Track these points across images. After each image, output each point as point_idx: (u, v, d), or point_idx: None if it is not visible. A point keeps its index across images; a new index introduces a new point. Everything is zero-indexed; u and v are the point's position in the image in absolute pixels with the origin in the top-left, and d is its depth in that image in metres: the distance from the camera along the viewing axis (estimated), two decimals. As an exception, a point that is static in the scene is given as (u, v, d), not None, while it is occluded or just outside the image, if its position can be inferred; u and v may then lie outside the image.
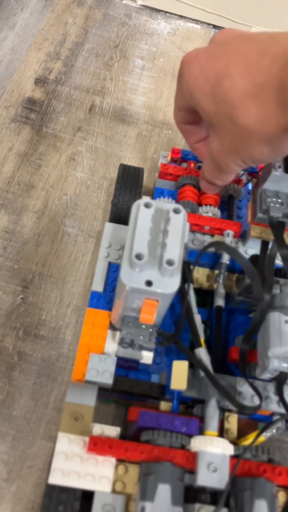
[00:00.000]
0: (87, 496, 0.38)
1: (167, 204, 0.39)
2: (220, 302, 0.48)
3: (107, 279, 0.48)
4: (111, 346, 0.44)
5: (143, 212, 0.37)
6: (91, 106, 0.70)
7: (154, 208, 0.38)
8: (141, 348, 0.43)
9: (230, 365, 0.46)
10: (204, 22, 0.83)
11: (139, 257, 0.35)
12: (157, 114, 0.71)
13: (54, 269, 0.57)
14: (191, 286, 0.46)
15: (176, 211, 0.38)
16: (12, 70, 0.71)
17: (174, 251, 0.36)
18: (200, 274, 0.50)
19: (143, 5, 0.82)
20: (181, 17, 0.83)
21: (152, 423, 0.40)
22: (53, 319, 0.54)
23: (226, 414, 0.44)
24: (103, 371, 0.42)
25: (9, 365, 0.50)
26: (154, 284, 0.36)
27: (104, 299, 0.47)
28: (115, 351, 0.44)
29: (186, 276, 0.46)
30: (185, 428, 0.40)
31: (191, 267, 0.46)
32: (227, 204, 0.55)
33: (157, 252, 0.37)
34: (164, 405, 0.43)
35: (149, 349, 0.43)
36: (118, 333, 0.45)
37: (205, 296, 0.50)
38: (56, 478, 0.37)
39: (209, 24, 0.83)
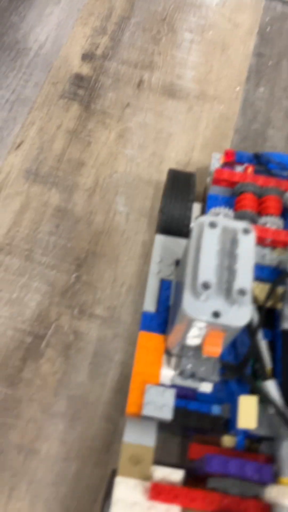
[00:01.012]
0: None
1: (234, 222, 0.35)
2: (287, 325, 0.43)
3: (159, 297, 0.45)
4: (167, 373, 0.41)
5: (208, 233, 0.34)
6: (140, 81, 0.68)
7: (220, 228, 0.34)
8: (203, 380, 0.39)
9: None
10: (254, -7, 0.79)
11: (206, 285, 0.33)
12: (207, 89, 0.69)
13: (107, 248, 0.55)
14: (255, 313, 0.42)
15: (246, 231, 0.35)
16: (58, 46, 0.70)
17: (246, 279, 0.33)
18: (259, 290, 0.45)
19: (190, -24, 0.79)
20: (229, -13, 0.80)
21: (221, 468, 0.36)
22: (108, 298, 0.53)
23: None
24: (161, 405, 0.39)
25: (65, 343, 0.50)
26: (222, 315, 0.33)
27: (157, 320, 0.44)
28: (170, 379, 0.41)
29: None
30: (258, 476, 0.36)
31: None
32: None
33: (223, 278, 0.34)
34: (227, 441, 0.40)
35: (212, 381, 0.40)
36: (173, 359, 0.41)
37: (264, 312, 0.45)
38: None
39: (259, -6, 0.80)
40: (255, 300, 0.44)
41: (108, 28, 0.73)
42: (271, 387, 0.39)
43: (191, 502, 0.35)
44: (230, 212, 0.49)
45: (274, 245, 0.47)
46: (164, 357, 0.42)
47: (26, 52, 0.69)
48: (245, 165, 0.54)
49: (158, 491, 0.35)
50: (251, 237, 0.35)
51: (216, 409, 0.41)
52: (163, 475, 0.37)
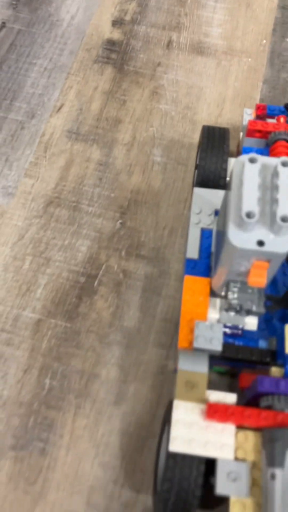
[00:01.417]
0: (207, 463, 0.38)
1: (272, 158, 0.37)
2: None
3: (200, 246, 0.47)
4: (213, 313, 0.44)
5: (248, 168, 0.36)
6: (169, 42, 0.71)
7: (260, 163, 0.36)
8: (249, 313, 0.42)
9: None
10: None
11: (249, 215, 0.35)
12: (234, 44, 0.71)
13: (148, 195, 0.59)
14: None
15: (285, 164, 0.36)
16: (89, 15, 0.73)
17: (287, 206, 0.35)
18: None
19: None
20: None
21: (272, 388, 0.39)
22: (151, 240, 0.56)
23: None
24: (211, 338, 0.41)
25: (116, 281, 0.54)
26: (267, 244, 0.35)
27: (200, 265, 0.46)
28: (217, 318, 0.43)
29: None
30: None
31: None
32: None
33: (266, 209, 0.36)
34: (275, 371, 0.41)
35: (258, 314, 0.42)
36: (218, 300, 0.44)
37: None
38: (176, 446, 0.37)
39: None
40: None
41: (135, -6, 0.76)
42: None
43: (246, 419, 0.37)
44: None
45: None
46: (210, 299, 0.44)
47: (59, 23, 0.73)
48: (277, 117, 0.56)
49: (214, 410, 0.38)
50: None
51: (263, 343, 0.43)
52: (217, 398, 0.39)
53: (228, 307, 0.42)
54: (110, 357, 0.50)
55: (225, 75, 0.68)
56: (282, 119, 0.54)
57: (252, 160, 0.37)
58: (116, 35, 0.72)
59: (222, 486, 0.36)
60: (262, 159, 0.37)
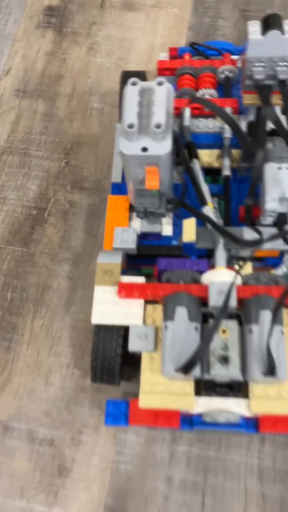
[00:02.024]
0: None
1: (151, 82, 0.45)
2: (227, 172, 0.53)
3: (123, 171, 0.54)
4: (134, 224, 0.52)
5: (130, 90, 0.44)
6: (102, 2, 0.79)
7: (140, 85, 0.44)
8: (153, 214, 0.50)
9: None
10: None
11: (131, 126, 0.43)
12: (161, -3, 0.78)
13: (88, 137, 0.68)
14: (197, 162, 0.53)
15: (160, 83, 0.44)
16: (29, -14, 0.81)
17: (160, 116, 0.43)
18: (209, 155, 0.55)
19: None
20: None
21: (169, 266, 0.47)
22: (93, 174, 0.65)
23: (241, 263, 0.48)
24: (126, 239, 0.50)
25: (63, 211, 0.63)
26: (149, 149, 0.43)
27: (123, 188, 0.54)
28: (138, 229, 0.52)
29: (192, 153, 0.53)
30: (196, 266, 0.47)
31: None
32: (224, 85, 0.60)
33: (146, 122, 0.43)
34: None
35: (161, 215, 0.50)
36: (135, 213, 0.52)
37: (217, 175, 0.56)
38: (97, 318, 0.46)
39: None
40: (205, 164, 0.55)
41: None
42: (208, 210, 0.50)
43: (148, 291, 0.46)
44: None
45: (212, 113, 0.57)
46: (130, 214, 0.52)
47: (3, -3, 0.81)
48: (183, 54, 0.63)
49: (123, 288, 0.47)
50: (164, 87, 0.45)
51: (174, 242, 0.52)
52: (129, 280, 0.48)
53: (137, 213, 0.50)
54: (60, 271, 0.59)
55: (154, 26, 0.76)
56: (187, 56, 0.61)
57: (133, 83, 0.45)
58: (54, 1, 0.79)
59: (133, 345, 0.45)
60: (143, 83, 0.46)
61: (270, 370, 0.40)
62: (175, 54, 0.64)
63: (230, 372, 0.41)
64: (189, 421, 0.45)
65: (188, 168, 0.53)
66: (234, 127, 0.50)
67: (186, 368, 0.40)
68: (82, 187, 0.64)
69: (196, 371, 0.41)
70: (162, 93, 0.45)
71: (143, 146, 0.44)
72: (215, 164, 0.55)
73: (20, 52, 0.75)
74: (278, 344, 0.41)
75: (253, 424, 0.45)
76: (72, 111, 0.70)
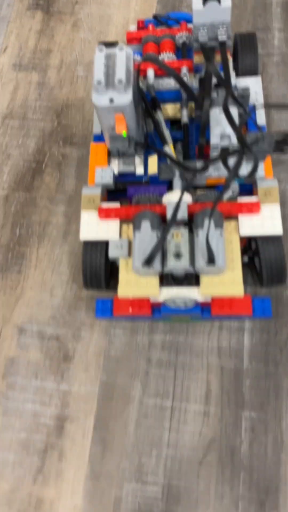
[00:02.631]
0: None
1: (114, 48, 0.57)
2: (185, 119, 0.66)
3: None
4: (112, 166, 0.64)
5: (98, 54, 0.57)
6: (82, -17, 0.91)
7: (106, 51, 0.57)
8: (125, 154, 0.62)
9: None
10: None
11: (99, 82, 0.56)
12: (133, -24, 0.90)
13: (75, 100, 0.80)
14: (160, 112, 0.65)
15: (120, 49, 0.57)
16: (19, -27, 0.93)
17: (121, 73, 0.55)
18: (173, 108, 0.68)
19: None
20: None
21: (136, 191, 0.61)
22: (80, 131, 0.78)
23: (197, 192, 0.61)
24: (105, 176, 0.63)
25: (57, 163, 0.76)
26: (115, 100, 0.56)
27: (103, 138, 0.67)
28: (115, 170, 0.64)
29: (155, 106, 0.65)
30: (158, 190, 0.60)
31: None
32: (182, 50, 0.72)
33: (111, 79, 0.56)
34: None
35: (131, 154, 0.62)
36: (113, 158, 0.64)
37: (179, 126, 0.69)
38: (84, 235, 0.60)
39: None
40: (170, 115, 0.68)
41: None
42: (167, 149, 0.63)
43: (125, 212, 0.60)
44: (139, 58, 0.72)
45: None
46: (108, 158, 0.65)
47: (-3, -16, 0.93)
48: (148, 25, 0.75)
49: (103, 211, 0.60)
50: (124, 52, 0.57)
51: (144, 178, 0.65)
52: (107, 206, 0.61)
53: (111, 153, 0.63)
54: (58, 210, 0.73)
55: (128, 2, 0.88)
56: (151, 27, 0.74)
57: (100, 50, 0.58)
58: (42, -15, 0.91)
59: (112, 252, 0.59)
60: (108, 50, 0.58)
61: (210, 259, 0.53)
62: (142, 25, 0.76)
63: (182, 264, 0.55)
64: (158, 310, 0.59)
65: (152, 117, 0.65)
66: (175, 77, 0.62)
67: (148, 261, 0.54)
68: (72, 142, 0.77)
69: (157, 266, 0.55)
70: (123, 56, 0.57)
71: (110, 97, 0.57)
72: (178, 115, 0.68)
73: (15, 32, 0.88)
74: (217, 242, 0.55)
75: (208, 310, 0.59)
76: (61, 80, 0.82)
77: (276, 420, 0.59)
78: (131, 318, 0.63)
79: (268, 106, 0.65)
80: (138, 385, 0.62)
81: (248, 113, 0.61)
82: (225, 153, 0.60)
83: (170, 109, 0.69)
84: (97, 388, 0.63)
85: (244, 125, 0.65)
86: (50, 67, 0.84)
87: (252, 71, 0.70)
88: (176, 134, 0.68)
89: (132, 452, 0.59)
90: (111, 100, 0.57)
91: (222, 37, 0.61)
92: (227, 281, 0.56)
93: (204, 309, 0.59)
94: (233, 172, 0.54)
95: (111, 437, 0.60)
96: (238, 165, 0.54)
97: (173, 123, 0.70)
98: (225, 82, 0.60)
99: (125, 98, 0.57)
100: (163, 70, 0.66)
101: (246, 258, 0.62)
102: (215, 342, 0.63)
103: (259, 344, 0.62)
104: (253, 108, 0.66)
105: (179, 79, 0.62)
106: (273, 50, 0.80)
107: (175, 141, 0.67)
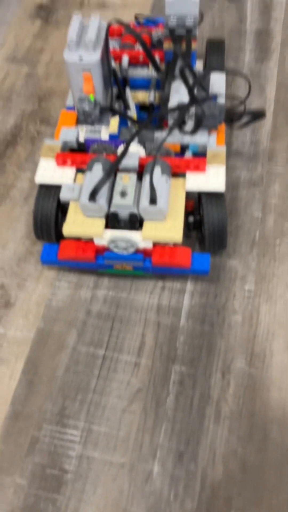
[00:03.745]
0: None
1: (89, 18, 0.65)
2: (151, 98, 0.72)
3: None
4: (80, 131, 0.68)
5: (74, 19, 0.63)
6: (81, 2, 1.01)
7: (81, 19, 0.63)
8: (90, 117, 0.65)
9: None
10: None
11: (71, 40, 0.61)
12: (127, 0, 1.00)
13: (58, 90, 0.86)
14: (128, 89, 0.71)
15: (95, 17, 0.64)
16: (27, -10, 1.04)
17: (92, 35, 0.62)
18: (143, 95, 0.74)
19: None
20: None
21: (94, 142, 0.64)
22: (58, 114, 0.83)
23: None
24: (69, 135, 0.66)
25: (31, 137, 0.80)
26: (84, 58, 0.62)
27: (74, 108, 0.72)
28: (83, 137, 0.67)
29: (126, 83, 0.72)
30: (114, 142, 0.64)
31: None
32: (157, 45, 0.78)
33: (82, 40, 0.62)
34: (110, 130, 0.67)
35: (95, 116, 0.66)
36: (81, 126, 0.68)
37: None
38: (39, 179, 0.63)
39: None
40: (140, 100, 0.73)
41: (60, -24, 1.06)
42: (129, 112, 0.68)
43: (81, 159, 0.62)
44: (117, 45, 0.79)
45: (145, 62, 0.76)
46: (78, 125, 0.69)
47: (6, -3, 1.03)
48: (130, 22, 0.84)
49: (60, 157, 0.63)
50: (97, 20, 0.63)
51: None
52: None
53: (78, 117, 0.68)
54: (23, 176, 0.76)
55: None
56: (131, 24, 0.82)
57: (77, 17, 0.64)
58: (45, 1, 1.01)
59: (64, 194, 0.61)
60: (84, 18, 0.65)
61: (152, 200, 0.56)
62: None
63: (126, 202, 0.57)
64: (102, 257, 0.61)
65: (122, 92, 0.71)
66: (143, 45, 0.67)
67: (92, 194, 0.56)
68: (49, 122, 0.82)
69: (102, 202, 0.57)
70: (96, 22, 0.64)
71: (80, 55, 0.62)
72: (147, 101, 0.74)
73: (13, 33, 0.96)
74: (161, 186, 0.57)
75: (149, 260, 0.60)
76: (49, 73, 0.89)
77: (206, 377, 0.58)
78: (77, 266, 0.64)
79: (226, 72, 0.71)
80: (74, 333, 0.62)
81: (202, 76, 0.66)
82: (182, 120, 0.64)
83: (140, 95, 0.75)
84: (32, 334, 0.62)
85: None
86: (40, 63, 0.91)
87: (219, 69, 0.77)
88: (144, 115, 0.74)
89: (57, 396, 0.58)
90: (80, 58, 0.62)
91: (189, 23, 0.68)
92: (168, 228, 0.58)
93: (146, 259, 0.60)
94: (178, 120, 0.58)
95: (38, 380, 0.59)
96: (182, 113, 0.59)
97: (142, 108, 0.76)
98: (186, 57, 0.66)
99: (93, 57, 0.62)
100: (130, 35, 0.73)
101: (191, 218, 0.64)
102: (156, 300, 0.64)
103: (198, 305, 0.63)
104: (207, 77, 0.72)
105: (143, 44, 0.68)
106: (244, 65, 0.88)
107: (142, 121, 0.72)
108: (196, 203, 0.65)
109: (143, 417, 0.56)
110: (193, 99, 0.60)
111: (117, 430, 0.55)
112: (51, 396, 0.58)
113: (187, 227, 0.66)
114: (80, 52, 0.62)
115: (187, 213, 0.65)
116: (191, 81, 0.65)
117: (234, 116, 0.66)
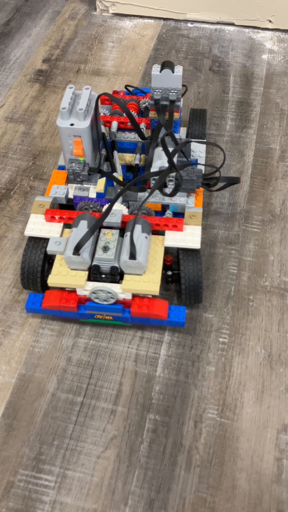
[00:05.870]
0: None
1: (82, 91, 0.72)
2: (137, 162, 0.78)
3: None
4: (69, 189, 0.74)
5: (68, 90, 0.70)
6: (78, 69, 1.09)
7: (74, 90, 0.70)
8: (79, 176, 0.71)
9: None
10: (154, 17, 1.22)
11: (64, 108, 0.68)
12: (121, 69, 1.09)
13: (52, 149, 0.93)
14: (116, 152, 0.78)
15: (86, 89, 0.71)
16: (28, 57, 1.12)
17: (83, 105, 0.68)
18: (130, 156, 0.80)
19: (114, 13, 1.23)
20: (140, 16, 1.22)
21: (81, 200, 0.70)
22: (51, 171, 0.89)
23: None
24: (59, 191, 0.72)
25: (24, 192, 0.86)
26: (75, 124, 0.68)
27: (65, 168, 0.78)
28: (72, 194, 0.73)
29: (114, 147, 0.78)
30: (100, 201, 0.69)
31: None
32: (144, 113, 0.86)
33: (74, 109, 0.69)
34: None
35: (84, 176, 0.71)
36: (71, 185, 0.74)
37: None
38: (29, 232, 0.67)
39: (158, 18, 1.22)
40: (127, 162, 0.80)
41: (60, 45, 1.15)
42: (115, 174, 0.74)
43: (68, 216, 0.67)
44: (108, 112, 0.86)
45: (132, 128, 0.82)
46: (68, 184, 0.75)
47: (8, 61, 1.11)
48: (119, 93, 0.91)
49: (49, 213, 0.68)
50: (88, 91, 0.70)
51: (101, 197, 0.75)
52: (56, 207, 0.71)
53: (69, 176, 0.73)
54: (15, 228, 0.81)
55: (112, 86, 1.05)
56: (121, 93, 0.89)
57: (70, 87, 0.71)
58: (44, 66, 1.10)
59: (50, 247, 0.65)
60: (76, 91, 0.71)
61: (132, 255, 0.60)
62: (115, 93, 0.91)
63: (108, 256, 0.61)
64: (84, 307, 0.64)
65: (110, 155, 0.77)
66: (128, 114, 0.74)
67: (77, 248, 0.60)
68: (42, 178, 0.88)
69: (86, 255, 0.61)
70: (87, 93, 0.70)
71: (71, 122, 0.68)
72: (133, 162, 0.80)
73: (13, 95, 1.04)
74: (141, 243, 0.62)
75: (128, 311, 0.64)
76: (44, 132, 0.96)
77: (179, 425, 0.60)
78: (60, 315, 0.67)
79: (200, 142, 0.77)
80: (54, 380, 0.64)
81: (180, 145, 0.71)
82: (163, 182, 0.70)
83: (127, 157, 0.81)
84: (14, 379, 0.65)
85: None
86: (36, 123, 0.98)
87: (200, 137, 0.84)
88: (130, 176, 0.79)
89: (34, 440, 0.60)
90: (72, 124, 0.68)
91: (172, 96, 0.75)
92: (146, 280, 0.62)
93: (125, 310, 0.64)
94: (158, 183, 0.64)
95: (17, 424, 0.61)
96: (162, 177, 0.64)
97: (129, 168, 0.81)
98: (167, 125, 0.72)
99: (83, 124, 0.68)
100: (117, 105, 0.80)
101: (169, 272, 0.68)
102: (134, 350, 0.67)
103: (174, 355, 0.66)
104: (188, 145, 0.78)
105: (128, 114, 0.74)
106: (225, 132, 0.95)
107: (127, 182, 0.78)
108: (175, 258, 0.70)
109: (117, 464, 0.58)
110: (172, 166, 0.66)
111: (91, 476, 0.57)
112: (29, 441, 0.60)
113: (166, 280, 0.70)
114: (72, 120, 0.68)
115: (166, 268, 0.69)
116: (171, 148, 0.71)
117: (211, 181, 0.71)
